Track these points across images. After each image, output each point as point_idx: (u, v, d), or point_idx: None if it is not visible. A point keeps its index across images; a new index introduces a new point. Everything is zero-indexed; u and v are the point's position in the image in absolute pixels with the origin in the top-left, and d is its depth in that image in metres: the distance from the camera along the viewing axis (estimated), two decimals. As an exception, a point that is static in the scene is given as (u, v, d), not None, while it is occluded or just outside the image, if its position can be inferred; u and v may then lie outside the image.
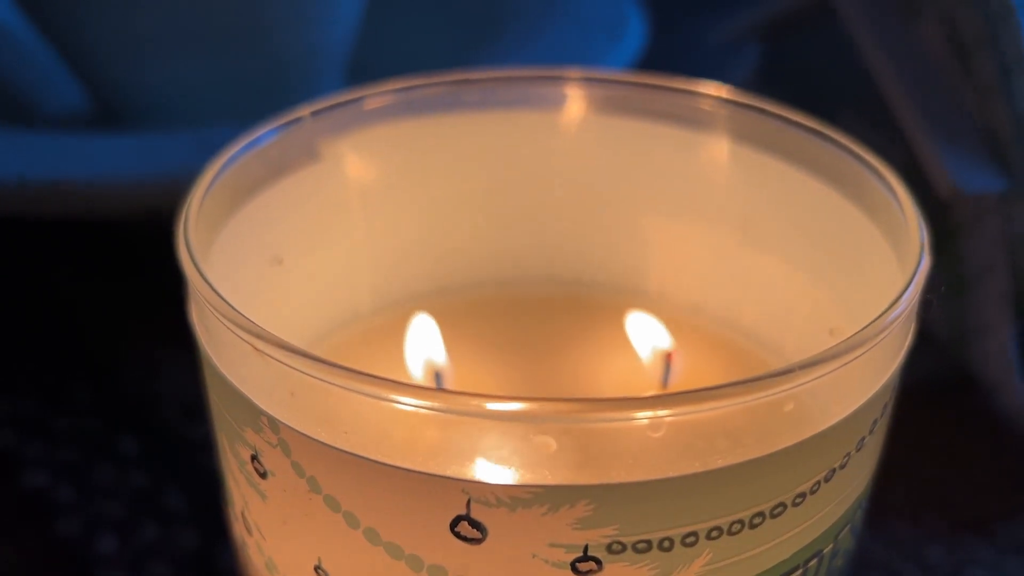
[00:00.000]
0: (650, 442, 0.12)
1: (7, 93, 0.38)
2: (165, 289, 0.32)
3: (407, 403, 0.12)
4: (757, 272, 0.20)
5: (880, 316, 0.13)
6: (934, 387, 0.28)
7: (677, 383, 0.19)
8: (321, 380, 0.12)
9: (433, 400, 0.12)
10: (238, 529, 0.16)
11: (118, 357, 0.30)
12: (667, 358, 0.20)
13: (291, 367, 0.12)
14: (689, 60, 0.29)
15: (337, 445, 0.12)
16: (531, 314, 0.22)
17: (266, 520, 0.14)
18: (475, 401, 0.12)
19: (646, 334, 0.20)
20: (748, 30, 0.34)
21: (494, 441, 0.12)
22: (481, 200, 0.22)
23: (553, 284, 0.22)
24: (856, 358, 0.13)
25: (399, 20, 0.40)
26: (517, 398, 0.11)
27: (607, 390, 0.20)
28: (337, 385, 0.12)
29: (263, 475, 0.14)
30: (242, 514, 0.15)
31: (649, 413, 0.12)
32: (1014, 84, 0.26)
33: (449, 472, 0.12)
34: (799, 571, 0.14)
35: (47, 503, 0.25)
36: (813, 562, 0.14)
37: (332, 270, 0.20)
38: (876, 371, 0.14)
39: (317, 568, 0.14)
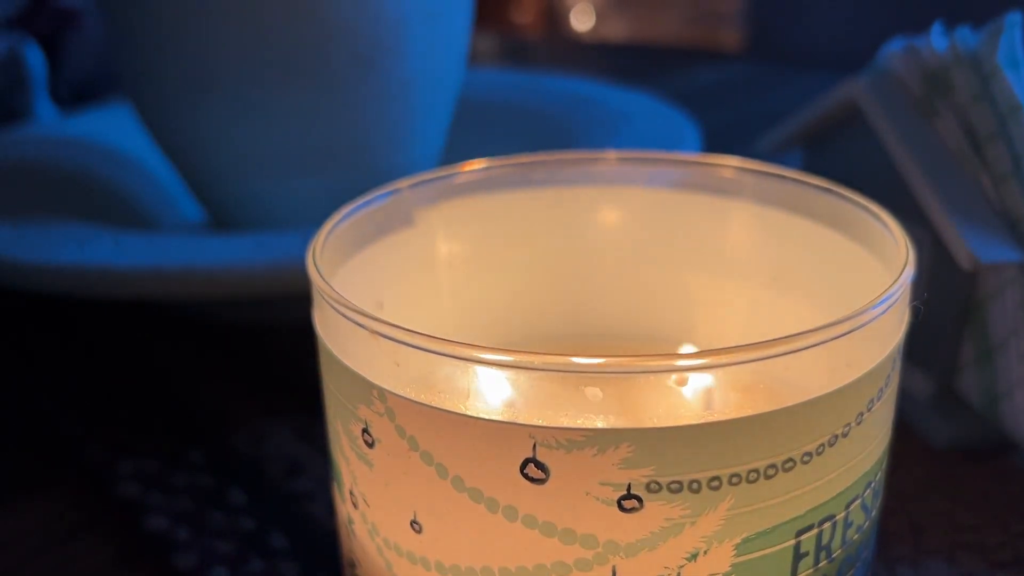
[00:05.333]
0: (676, 394, 0.15)
1: (136, 210, 0.43)
2: (265, 374, 0.36)
3: (487, 361, 0.15)
4: (788, 319, 0.23)
5: (867, 304, 0.16)
6: (973, 449, 0.30)
7: (717, 395, 0.21)
8: (420, 349, 0.15)
9: (507, 356, 0.15)
10: (346, 509, 0.19)
11: (227, 429, 0.33)
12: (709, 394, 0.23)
13: (396, 340, 0.16)
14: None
15: (433, 404, 0.16)
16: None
17: (371, 487, 0.17)
18: (540, 358, 0.15)
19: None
20: (790, 139, 0.38)
21: (554, 392, 0.15)
22: (547, 264, 0.25)
23: (609, 338, 0.26)
24: (846, 333, 0.16)
25: (479, 138, 0.45)
26: (571, 354, 0.15)
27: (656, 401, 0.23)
28: (433, 352, 0.15)
29: (371, 445, 0.17)
30: (350, 491, 0.18)
31: (680, 363, 0.15)
32: (1025, 170, 0.29)
33: (519, 420, 0.15)
34: (814, 530, 0.17)
35: (166, 542, 0.28)
36: (827, 525, 0.17)
37: (421, 319, 0.24)
38: (869, 353, 0.17)
39: (413, 523, 0.17)
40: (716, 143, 0.45)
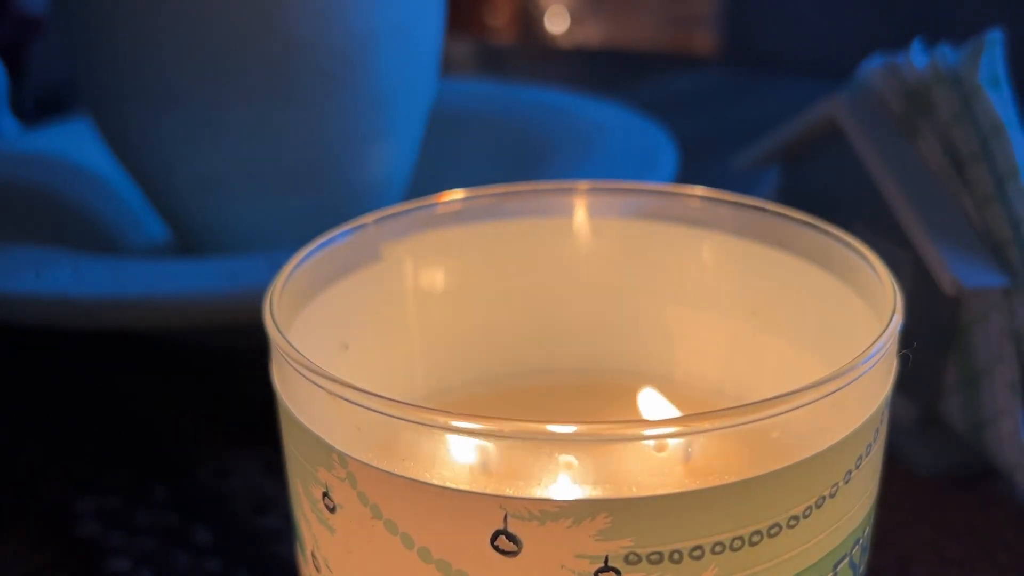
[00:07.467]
0: (656, 462, 0.14)
1: (99, 229, 0.42)
2: (234, 401, 0.35)
3: (455, 428, 0.14)
4: (769, 355, 0.23)
5: (854, 359, 0.15)
6: (958, 477, 0.30)
7: (698, 460, 0.21)
8: (383, 414, 0.15)
9: (475, 424, 0.14)
10: (308, 571, 0.18)
11: (192, 462, 0.32)
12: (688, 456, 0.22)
13: (357, 404, 0.15)
14: (716, 185, 0.32)
15: (397, 472, 0.15)
16: (563, 401, 0.24)
17: (334, 553, 0.16)
18: (510, 425, 0.14)
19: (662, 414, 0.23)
20: (768, 155, 0.37)
21: (526, 461, 0.14)
22: (519, 298, 0.24)
23: (584, 373, 0.25)
24: (832, 392, 0.15)
25: (452, 153, 0.44)
26: (544, 421, 0.14)
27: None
28: (397, 417, 0.14)
29: (332, 510, 0.16)
30: (312, 554, 0.17)
31: (654, 432, 0.14)
32: (1008, 192, 0.28)
33: (489, 490, 0.14)
34: (801, 595, 0.16)
35: (129, 587, 0.27)
36: (814, 588, 0.16)
37: (391, 358, 0.23)
38: (856, 409, 0.16)
39: (377, 592, 0.16)
40: (692, 154, 0.44)
